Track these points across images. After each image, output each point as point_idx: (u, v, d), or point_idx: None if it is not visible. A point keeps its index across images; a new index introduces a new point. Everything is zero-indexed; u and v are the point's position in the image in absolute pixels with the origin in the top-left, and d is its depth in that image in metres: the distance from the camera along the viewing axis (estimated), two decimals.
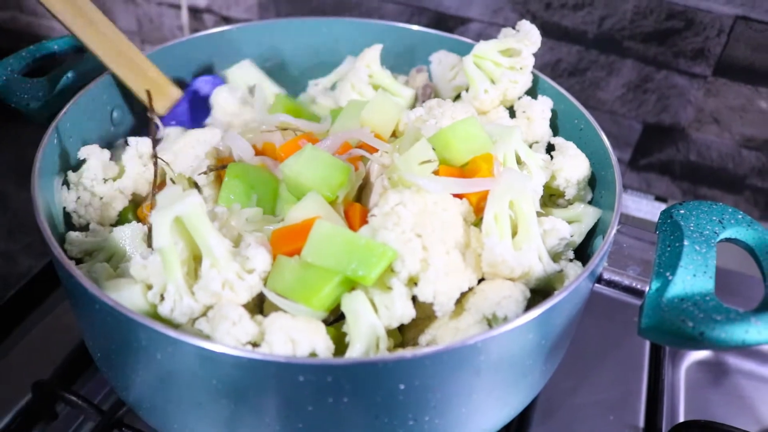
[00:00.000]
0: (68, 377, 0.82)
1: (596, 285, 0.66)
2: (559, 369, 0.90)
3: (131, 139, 0.77)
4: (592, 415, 0.85)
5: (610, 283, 0.65)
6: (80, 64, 0.82)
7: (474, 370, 0.54)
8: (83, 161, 0.74)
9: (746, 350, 0.96)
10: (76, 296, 0.58)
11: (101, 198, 0.73)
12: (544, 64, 1.10)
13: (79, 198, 0.72)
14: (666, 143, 1.12)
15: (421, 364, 0.50)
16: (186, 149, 0.74)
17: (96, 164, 0.73)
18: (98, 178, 0.73)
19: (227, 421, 0.57)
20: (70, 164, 0.74)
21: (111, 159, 0.76)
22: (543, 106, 0.80)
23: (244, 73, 0.91)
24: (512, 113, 0.84)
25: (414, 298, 0.58)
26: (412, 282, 0.58)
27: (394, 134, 0.77)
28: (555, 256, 0.69)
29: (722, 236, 0.67)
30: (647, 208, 1.10)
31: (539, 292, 0.66)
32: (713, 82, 1.03)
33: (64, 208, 0.72)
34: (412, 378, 0.51)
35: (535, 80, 0.85)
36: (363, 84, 0.85)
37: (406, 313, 0.57)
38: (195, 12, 1.28)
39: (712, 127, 1.07)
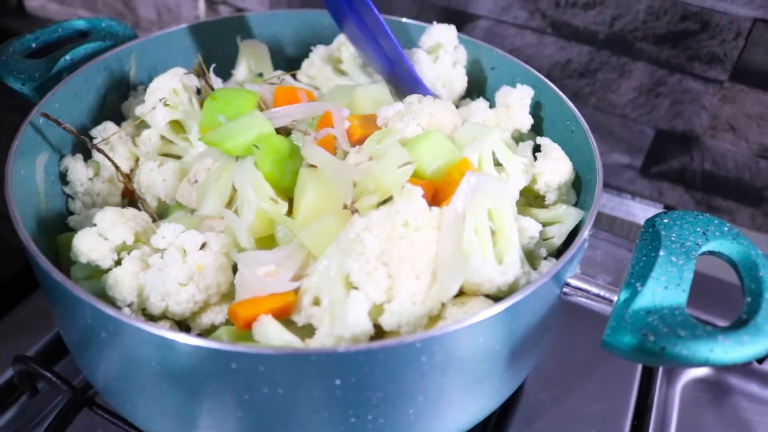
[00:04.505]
0: (51, 356, 0.84)
1: (588, 296, 0.63)
2: (545, 378, 0.88)
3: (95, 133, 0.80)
4: (573, 428, 0.83)
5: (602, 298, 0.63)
6: (79, 48, 0.84)
7: (417, 370, 0.52)
8: (71, 145, 0.78)
9: (750, 371, 0.92)
10: (44, 282, 0.59)
11: (98, 194, 0.77)
12: (553, 64, 1.07)
13: (76, 200, 0.77)
14: (679, 150, 1.07)
15: (355, 360, 0.49)
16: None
17: (78, 170, 0.76)
18: (85, 180, 0.76)
19: (171, 405, 0.57)
20: (56, 146, 0.76)
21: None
22: (522, 94, 0.78)
23: (253, 53, 0.92)
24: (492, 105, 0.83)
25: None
26: (378, 310, 0.56)
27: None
28: (528, 255, 0.67)
29: (705, 249, 0.64)
30: None
31: None
32: (729, 88, 0.98)
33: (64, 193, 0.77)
34: (347, 373, 0.50)
35: (536, 80, 0.82)
36: (323, 61, 0.87)
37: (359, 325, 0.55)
38: (211, 3, 1.29)
39: (728, 135, 1.02)
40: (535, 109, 0.83)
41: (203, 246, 0.62)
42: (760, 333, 0.54)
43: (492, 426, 0.80)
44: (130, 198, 0.80)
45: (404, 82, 0.81)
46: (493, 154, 0.69)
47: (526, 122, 0.78)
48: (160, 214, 0.77)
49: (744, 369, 0.92)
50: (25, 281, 0.95)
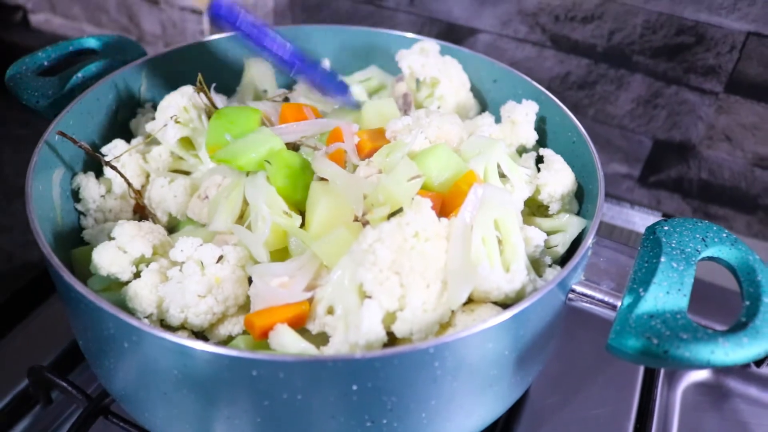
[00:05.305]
0: (64, 365, 0.85)
1: (592, 302, 0.65)
2: (549, 382, 0.89)
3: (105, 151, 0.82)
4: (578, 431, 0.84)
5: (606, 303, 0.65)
6: (90, 66, 0.86)
7: (429, 375, 0.54)
8: (82, 162, 0.79)
9: (748, 374, 0.94)
10: (66, 294, 0.61)
11: (110, 210, 0.78)
12: (553, 77, 1.10)
13: (88, 217, 0.78)
14: (677, 160, 1.10)
15: (371, 366, 0.51)
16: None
17: (90, 187, 0.77)
18: (97, 197, 0.78)
19: (191, 412, 0.58)
20: (69, 163, 0.77)
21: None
22: (527, 109, 0.80)
23: (258, 71, 0.94)
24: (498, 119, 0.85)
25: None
26: (391, 318, 0.57)
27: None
28: (534, 263, 0.69)
29: (704, 254, 0.66)
30: None
31: None
32: (725, 99, 1.01)
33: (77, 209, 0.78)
34: (363, 379, 0.52)
35: (537, 93, 0.85)
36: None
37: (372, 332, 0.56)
38: None
39: (724, 145, 1.05)
40: (537, 121, 0.85)
41: (220, 259, 0.64)
42: (759, 335, 0.56)
43: (499, 430, 0.82)
44: (141, 214, 0.81)
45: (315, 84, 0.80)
46: (498, 166, 0.71)
47: (531, 138, 0.80)
48: (170, 229, 0.79)
49: (743, 373, 0.94)
50: (34, 292, 0.97)
